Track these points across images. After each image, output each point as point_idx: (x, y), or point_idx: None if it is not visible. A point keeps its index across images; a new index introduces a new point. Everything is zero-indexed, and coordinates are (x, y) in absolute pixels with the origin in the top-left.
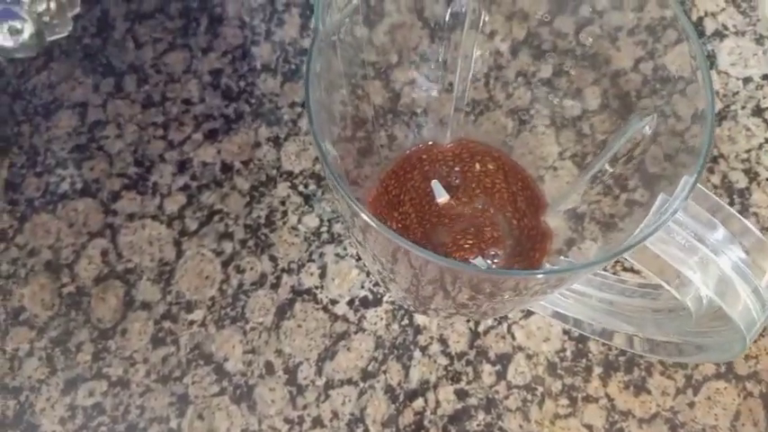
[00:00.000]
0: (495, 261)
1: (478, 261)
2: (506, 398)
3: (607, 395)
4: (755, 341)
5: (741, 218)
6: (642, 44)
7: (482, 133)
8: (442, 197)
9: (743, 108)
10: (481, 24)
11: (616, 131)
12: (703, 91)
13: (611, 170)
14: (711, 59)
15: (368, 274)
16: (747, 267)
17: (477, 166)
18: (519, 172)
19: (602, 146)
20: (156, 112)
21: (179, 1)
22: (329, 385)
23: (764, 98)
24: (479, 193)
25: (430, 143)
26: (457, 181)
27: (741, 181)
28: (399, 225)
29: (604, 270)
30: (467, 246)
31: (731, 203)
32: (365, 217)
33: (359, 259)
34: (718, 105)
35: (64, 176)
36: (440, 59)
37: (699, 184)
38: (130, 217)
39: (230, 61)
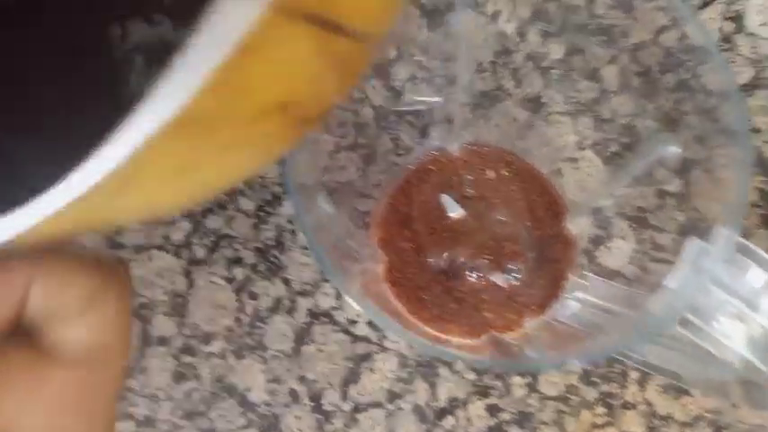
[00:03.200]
0: (517, 277)
1: (499, 279)
2: (540, 410)
3: (646, 400)
4: None
5: None
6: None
7: (492, 129)
8: (455, 211)
9: None
10: (483, 5)
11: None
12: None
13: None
14: (738, 20)
15: None
16: None
17: (491, 173)
18: (535, 176)
19: (627, 132)
20: None
21: None
22: (356, 409)
23: None
24: (495, 203)
25: (436, 153)
26: (470, 191)
27: None
28: (411, 245)
29: None
30: (485, 262)
31: (767, 182)
32: (354, 303)
33: None
34: (749, 73)
35: None
36: (440, 49)
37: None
38: (137, 249)
39: None
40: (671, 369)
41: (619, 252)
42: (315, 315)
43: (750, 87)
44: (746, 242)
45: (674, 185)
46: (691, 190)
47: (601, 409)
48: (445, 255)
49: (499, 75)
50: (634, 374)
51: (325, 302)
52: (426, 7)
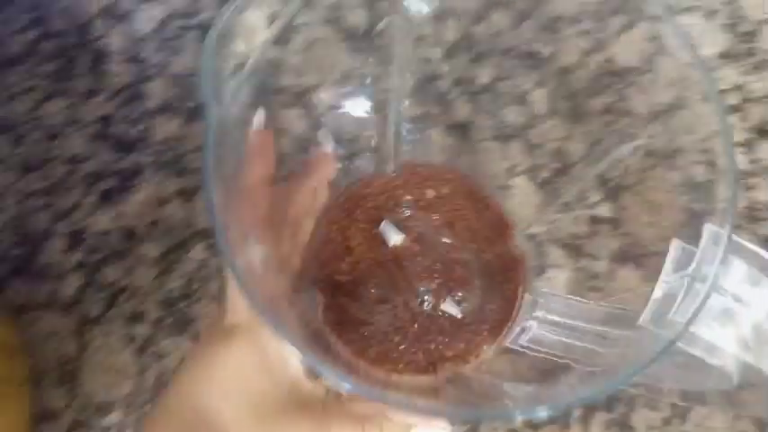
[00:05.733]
0: (467, 301)
1: (448, 306)
2: None
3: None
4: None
5: None
6: (586, 34)
7: (426, 155)
8: (396, 238)
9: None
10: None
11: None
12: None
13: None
14: (658, 41)
15: None
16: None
17: (430, 192)
18: (478, 191)
19: (558, 157)
20: (36, 177)
21: (52, 39)
22: None
23: (722, 80)
24: (438, 224)
25: (368, 178)
26: (409, 212)
27: (704, 175)
28: (349, 278)
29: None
30: (432, 289)
31: (694, 200)
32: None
33: None
34: (670, 94)
35: None
36: (366, 76)
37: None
38: (20, 309)
39: (120, 104)
40: (669, 386)
41: (556, 281)
42: None
43: (673, 108)
44: (735, 237)
45: (606, 210)
46: (623, 215)
47: None
48: (388, 285)
49: (425, 101)
50: (576, 411)
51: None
52: (350, 31)
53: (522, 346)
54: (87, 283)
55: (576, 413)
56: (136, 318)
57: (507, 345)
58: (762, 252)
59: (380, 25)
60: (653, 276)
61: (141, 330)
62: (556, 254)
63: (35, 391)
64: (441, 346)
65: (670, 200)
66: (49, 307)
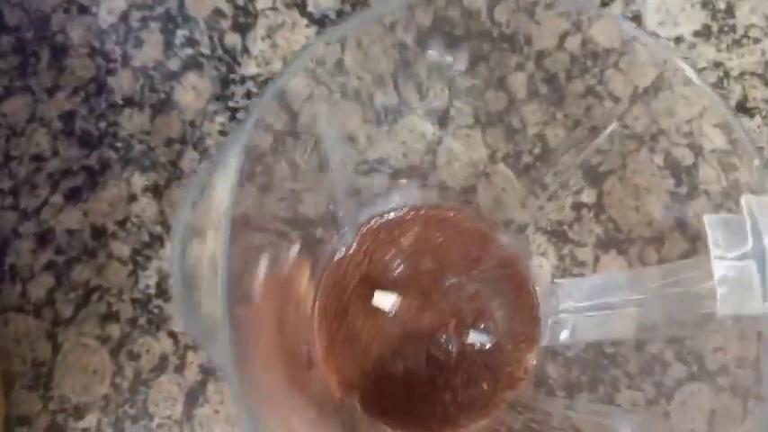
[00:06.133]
0: (492, 328)
1: (474, 338)
2: None
3: None
4: (720, 332)
5: None
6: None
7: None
8: (389, 303)
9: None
10: None
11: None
12: None
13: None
14: (637, 21)
15: None
16: None
17: (403, 240)
18: (443, 214)
19: (539, 143)
20: (0, 177)
21: (9, 33)
22: None
23: (699, 57)
24: (425, 267)
25: (343, 246)
26: (395, 271)
27: (687, 157)
28: (368, 367)
29: None
30: (451, 331)
31: (678, 184)
32: None
33: None
34: (651, 74)
35: None
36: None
37: None
38: None
39: (83, 99)
40: None
41: (541, 270)
42: (208, 371)
43: (653, 89)
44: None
45: (589, 196)
46: (606, 200)
47: None
48: (409, 352)
49: (401, 88)
50: (560, 393)
51: (223, 356)
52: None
53: (562, 346)
54: (58, 284)
55: (561, 394)
56: (109, 317)
57: (550, 347)
58: None
59: None
60: (635, 261)
61: (115, 330)
62: (540, 241)
63: (8, 395)
64: (490, 380)
65: (653, 183)
66: (19, 309)
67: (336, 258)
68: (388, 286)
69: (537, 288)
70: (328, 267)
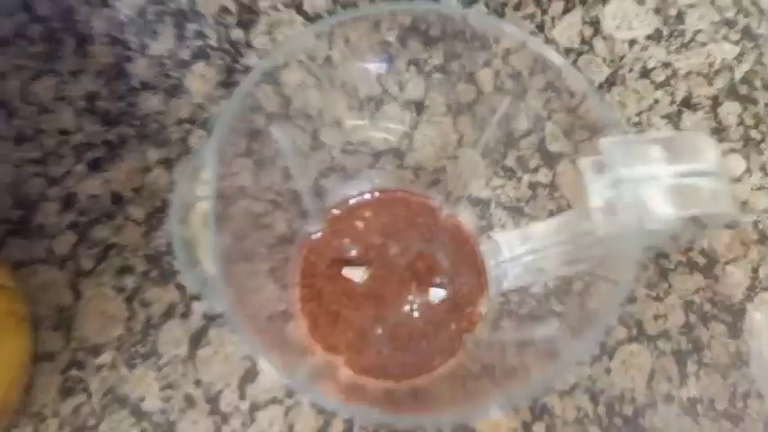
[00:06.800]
0: (447, 284)
1: (434, 295)
2: None
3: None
4: (662, 300)
5: None
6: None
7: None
8: (360, 275)
9: (630, 71)
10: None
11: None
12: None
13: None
14: (596, 25)
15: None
16: None
17: (362, 222)
18: (397, 198)
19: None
20: (31, 147)
21: (39, 23)
22: (254, 407)
23: (650, 58)
24: (382, 242)
25: (312, 231)
26: (355, 251)
27: None
28: (353, 331)
29: None
30: (414, 291)
31: None
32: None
33: None
34: (606, 72)
35: None
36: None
37: None
38: (18, 264)
39: (105, 82)
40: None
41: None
42: (210, 318)
43: (608, 84)
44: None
45: (544, 176)
46: (558, 180)
47: None
48: (383, 312)
49: (384, 80)
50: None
51: (221, 305)
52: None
53: (511, 291)
54: (80, 241)
55: (510, 326)
56: (125, 271)
57: (497, 295)
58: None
59: None
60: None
61: (130, 282)
62: (500, 215)
63: (34, 334)
64: (454, 324)
65: None
66: (45, 262)
67: (308, 245)
68: (355, 264)
69: (481, 246)
70: (301, 254)
